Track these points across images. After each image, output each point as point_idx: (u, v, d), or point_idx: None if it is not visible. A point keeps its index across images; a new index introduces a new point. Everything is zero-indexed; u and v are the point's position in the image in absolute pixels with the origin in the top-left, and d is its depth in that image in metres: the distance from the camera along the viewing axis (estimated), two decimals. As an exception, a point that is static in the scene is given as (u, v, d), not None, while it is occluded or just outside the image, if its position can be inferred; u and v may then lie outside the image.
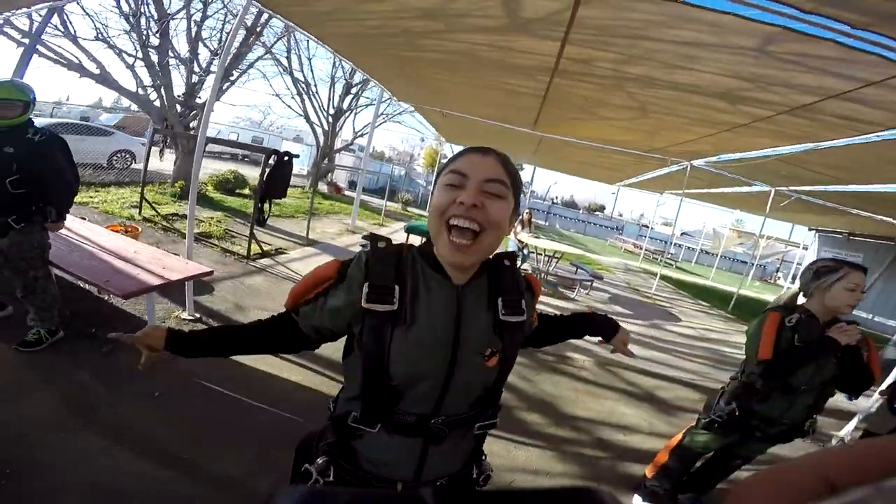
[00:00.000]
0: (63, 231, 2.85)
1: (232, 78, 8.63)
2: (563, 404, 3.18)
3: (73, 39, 6.66)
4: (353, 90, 13.00)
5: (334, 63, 8.35)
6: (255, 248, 5.29)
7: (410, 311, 0.76)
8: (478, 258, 0.77)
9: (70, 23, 6.58)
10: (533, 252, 7.59)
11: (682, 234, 28.69)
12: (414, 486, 0.85)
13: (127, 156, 10.12)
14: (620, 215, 40.35)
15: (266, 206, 5.25)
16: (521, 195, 0.85)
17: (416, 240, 7.04)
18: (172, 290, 3.24)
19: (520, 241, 7.39)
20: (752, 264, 15.14)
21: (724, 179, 7.43)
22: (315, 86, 12.26)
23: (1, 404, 2.00)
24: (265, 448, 2.05)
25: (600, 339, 1.19)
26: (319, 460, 0.84)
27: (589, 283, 7.36)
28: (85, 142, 9.40)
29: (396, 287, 0.76)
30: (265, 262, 5.20)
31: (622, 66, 3.50)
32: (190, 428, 2.11)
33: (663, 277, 11.26)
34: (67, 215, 2.63)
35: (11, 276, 2.42)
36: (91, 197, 6.38)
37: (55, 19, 6.26)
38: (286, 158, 5.21)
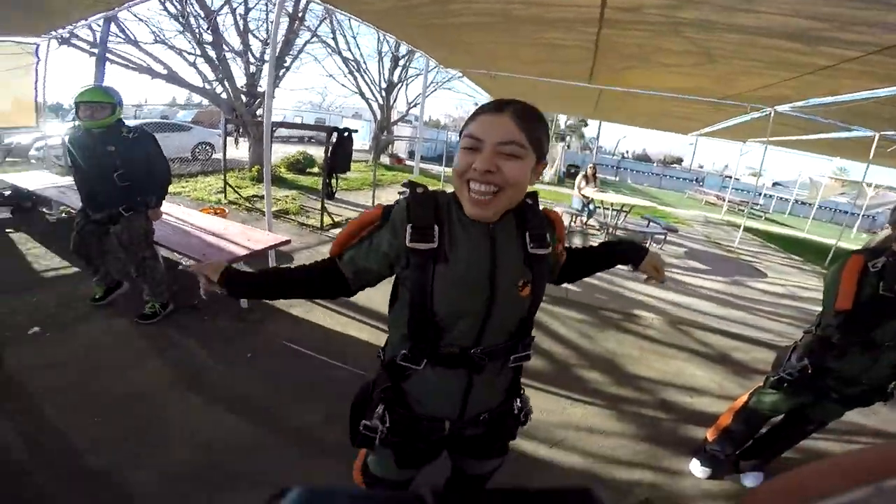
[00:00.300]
0: (165, 216, 3.26)
1: (286, 65, 8.94)
2: (626, 363, 3.06)
3: (136, 44, 7.16)
4: (401, 62, 12.91)
5: (378, 38, 8.32)
6: (326, 220, 5.69)
7: (449, 249, 0.82)
8: (496, 212, 0.82)
9: (128, 29, 7.05)
10: (599, 207, 7.29)
11: (775, 184, 25.45)
12: (460, 423, 0.93)
13: (207, 147, 11.05)
14: (701, 167, 36.50)
15: (333, 180, 5.59)
16: (550, 143, 0.87)
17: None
18: (259, 259, 3.51)
19: (584, 196, 7.15)
20: (858, 214, 13.12)
21: (816, 125, 6.44)
22: (364, 62, 12.33)
23: (127, 369, 2.41)
24: (339, 402, 2.30)
25: (630, 266, 1.15)
26: (378, 409, 0.92)
27: (662, 237, 6.86)
28: (169, 138, 10.42)
29: (436, 227, 0.82)
30: (336, 231, 5.51)
31: (674, 12, 3.15)
32: (275, 385, 2.39)
33: (748, 230, 10.16)
34: (164, 202, 2.98)
35: (126, 259, 2.82)
36: (182, 187, 7.17)
37: (113, 28, 6.68)
38: (346, 134, 5.48)
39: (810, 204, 15.62)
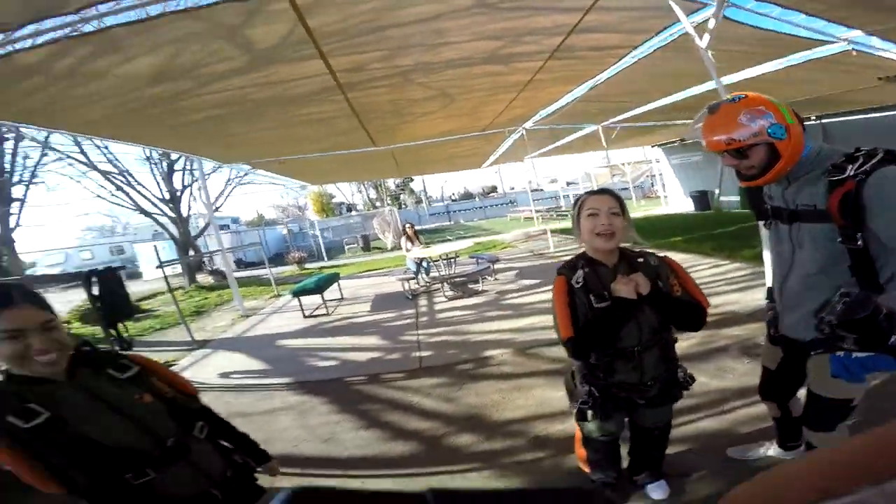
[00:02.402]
0: None
1: (19, 198, 7.33)
2: (490, 413, 2.87)
3: None
4: (178, 166, 11.61)
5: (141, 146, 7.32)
6: None
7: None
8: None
9: None
10: (432, 262, 7.38)
11: (568, 184, 30.80)
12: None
13: None
14: (512, 188, 42.30)
15: (120, 327, 4.47)
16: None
17: (311, 299, 6.54)
18: None
19: (416, 257, 7.17)
20: (630, 189, 16.40)
21: (560, 131, 7.90)
22: (131, 175, 10.88)
23: None
24: None
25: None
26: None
27: (489, 270, 7.19)
28: None
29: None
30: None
31: (393, 62, 3.41)
32: None
33: (558, 231, 11.69)
34: None
35: None
36: None
37: None
38: (108, 275, 4.46)
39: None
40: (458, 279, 7.10)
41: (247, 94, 3.83)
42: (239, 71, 3.31)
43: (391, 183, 34.54)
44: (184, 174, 11.76)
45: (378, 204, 31.76)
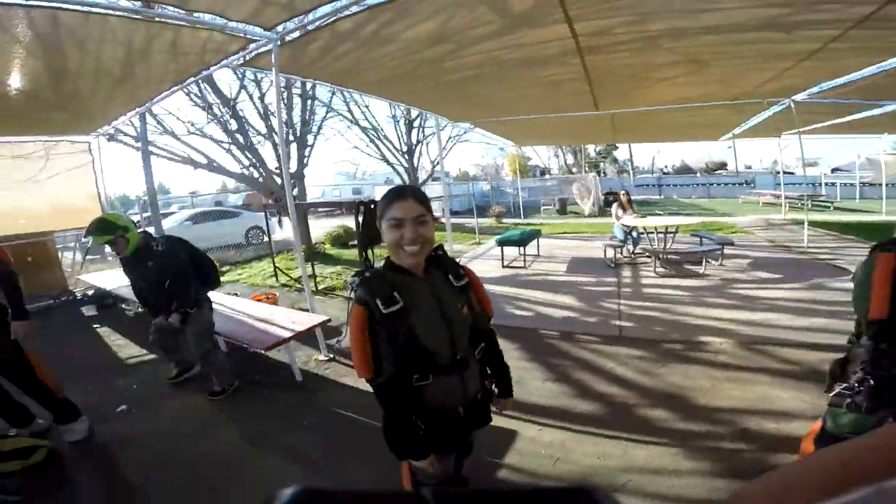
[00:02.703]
0: (220, 307, 3.74)
1: (309, 143, 9.69)
2: (696, 395, 2.79)
3: (173, 135, 7.90)
4: (416, 124, 13.46)
5: (390, 104, 8.97)
6: None
7: (410, 301, 1.18)
8: (424, 257, 1.23)
9: (164, 122, 7.76)
10: (643, 233, 6.99)
11: (835, 170, 23.43)
12: (468, 405, 1.32)
13: (258, 231, 11.59)
14: (748, 167, 34.51)
15: (370, 253, 5.86)
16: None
17: (510, 251, 7.14)
18: (308, 338, 3.85)
19: (625, 226, 6.93)
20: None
21: (844, 107, 6.06)
22: (381, 129, 13.00)
23: (201, 439, 2.71)
24: (387, 463, 2.41)
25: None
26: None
27: (718, 252, 6.35)
28: (222, 226, 11.33)
29: (395, 293, 1.17)
30: None
31: (641, 27, 3.24)
32: (330, 448, 2.56)
33: (816, 224, 9.26)
34: (220, 293, 3.38)
35: (194, 351, 3.18)
36: (238, 274, 7.80)
37: (153, 122, 7.31)
38: (372, 206, 5.76)
39: (878, 184, 14.18)
40: (674, 256, 6.50)
41: (495, 56, 4.17)
42: (494, 34, 3.60)
43: (591, 149, 32.44)
44: (418, 130, 13.66)
45: (575, 170, 30.49)
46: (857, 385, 1.43)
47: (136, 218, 10.95)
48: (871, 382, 1.40)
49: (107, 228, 2.77)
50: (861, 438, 0.32)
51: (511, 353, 3.54)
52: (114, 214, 2.95)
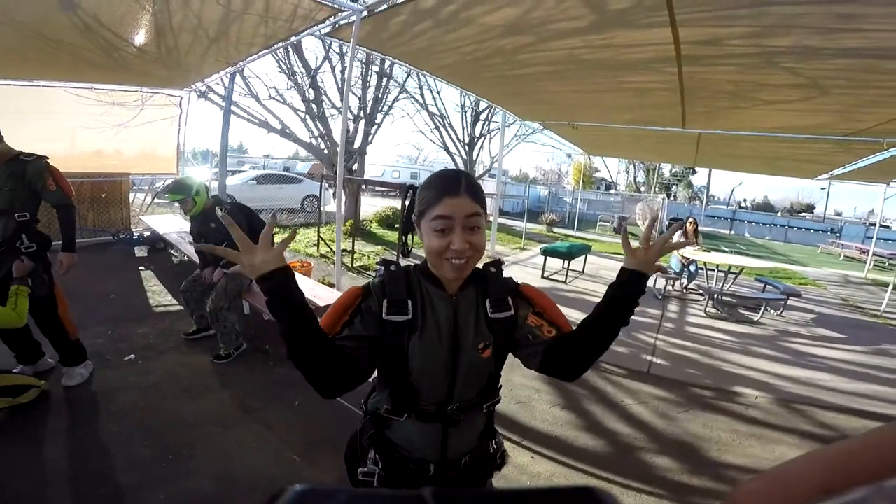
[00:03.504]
0: None
1: (377, 121, 9.73)
2: (710, 448, 2.56)
3: (256, 98, 8.20)
4: (482, 116, 13.19)
5: (461, 93, 8.77)
6: None
7: (421, 320, 0.92)
8: (469, 272, 0.94)
9: (250, 85, 8.10)
10: (702, 268, 6.49)
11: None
12: (443, 464, 1.00)
13: (314, 199, 11.98)
14: (838, 214, 31.12)
15: (409, 238, 5.77)
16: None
17: (553, 262, 6.76)
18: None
19: (684, 257, 6.45)
20: None
21: None
22: (448, 117, 12.85)
23: (188, 401, 2.66)
24: None
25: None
26: (370, 453, 1.00)
27: (781, 303, 5.83)
28: (283, 189, 11.89)
29: (409, 301, 0.92)
30: None
31: (761, 40, 2.79)
32: (311, 434, 2.44)
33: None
34: None
35: (211, 306, 3.20)
36: (284, 237, 8.05)
37: (240, 83, 7.63)
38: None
39: None
40: (730, 299, 5.97)
41: (578, 54, 3.85)
42: (580, 31, 3.31)
43: (666, 170, 30.60)
44: (484, 124, 13.36)
45: (643, 189, 28.96)
46: None
47: (207, 172, 11.61)
48: None
49: (180, 189, 3.07)
50: (861, 437, 0.32)
51: (525, 371, 3.49)
52: (189, 178, 3.22)
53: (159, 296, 4.55)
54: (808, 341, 4.84)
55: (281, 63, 8.41)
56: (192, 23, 3.70)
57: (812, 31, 2.48)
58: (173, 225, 6.15)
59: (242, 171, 14.65)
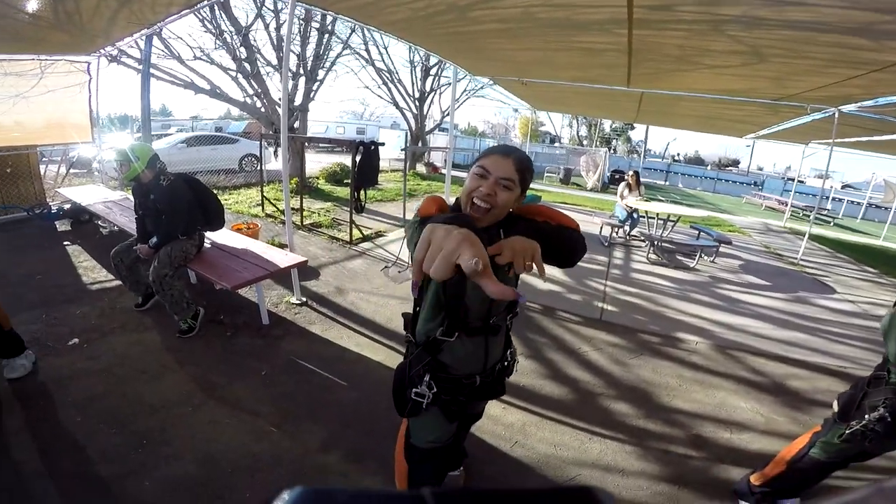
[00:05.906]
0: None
1: (319, 78, 9.09)
2: (661, 393, 2.82)
3: (179, 59, 7.51)
4: (432, 72, 12.88)
5: (409, 48, 8.32)
6: (356, 234, 5.68)
7: None
8: (488, 223, 1.10)
9: (171, 46, 7.41)
10: (644, 217, 6.91)
11: (844, 186, 23.14)
12: (484, 374, 1.27)
13: (253, 159, 11.38)
14: (760, 169, 33.98)
15: (362, 193, 5.58)
16: (529, 180, 1.14)
17: None
18: (283, 277, 3.63)
19: (627, 206, 6.82)
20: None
21: (889, 125, 5.67)
22: (397, 73, 12.43)
23: (148, 382, 2.51)
24: (341, 424, 2.26)
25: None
26: (426, 377, 1.22)
27: (714, 249, 6.37)
28: (217, 150, 11.02)
29: None
30: (366, 245, 5.61)
31: (711, 8, 2.82)
32: (284, 404, 2.40)
33: (815, 238, 9.30)
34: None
35: (150, 273, 2.99)
36: (226, 199, 7.46)
37: (159, 45, 7.04)
38: (372, 148, 5.37)
39: (886, 208, 14.02)
40: (669, 245, 6.42)
41: (534, 13, 3.72)
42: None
43: (607, 125, 31.47)
44: (434, 79, 13.04)
45: (586, 142, 29.76)
46: (876, 424, 1.42)
47: (129, 137, 10.36)
48: (889, 419, 1.39)
49: (123, 153, 2.96)
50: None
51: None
52: (143, 146, 3.06)
53: (93, 272, 4.13)
54: (737, 287, 5.36)
55: (206, 22, 7.69)
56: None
57: (763, 1, 2.53)
58: (97, 195, 5.51)
59: (169, 135, 13.31)
